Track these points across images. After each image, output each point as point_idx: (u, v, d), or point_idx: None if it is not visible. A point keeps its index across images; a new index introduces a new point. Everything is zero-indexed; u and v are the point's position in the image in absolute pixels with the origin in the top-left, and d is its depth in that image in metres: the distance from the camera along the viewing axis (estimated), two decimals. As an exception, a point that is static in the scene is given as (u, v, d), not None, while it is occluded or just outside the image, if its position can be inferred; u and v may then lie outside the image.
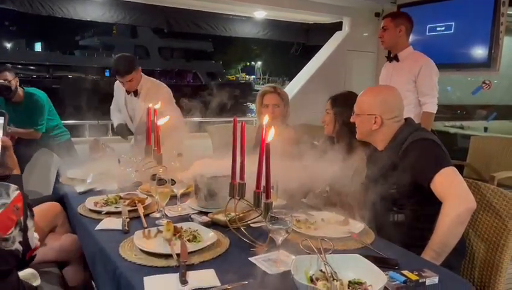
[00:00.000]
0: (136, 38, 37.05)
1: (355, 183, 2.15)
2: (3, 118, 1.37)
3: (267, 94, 2.82)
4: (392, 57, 3.31)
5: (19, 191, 1.18)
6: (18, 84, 3.56)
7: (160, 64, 36.63)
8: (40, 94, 3.69)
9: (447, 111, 5.76)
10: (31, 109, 3.60)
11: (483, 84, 4.65)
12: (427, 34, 4.46)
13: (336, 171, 1.81)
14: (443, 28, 4.32)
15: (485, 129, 5.24)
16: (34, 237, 1.21)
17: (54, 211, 2.16)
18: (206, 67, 39.16)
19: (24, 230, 1.15)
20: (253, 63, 51.61)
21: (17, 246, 1.10)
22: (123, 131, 3.38)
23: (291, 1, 4.53)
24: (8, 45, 38.43)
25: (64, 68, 34.04)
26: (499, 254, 1.76)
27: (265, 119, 1.54)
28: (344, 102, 2.38)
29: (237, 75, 50.88)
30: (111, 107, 3.59)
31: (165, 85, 3.40)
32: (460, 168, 3.91)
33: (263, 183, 1.49)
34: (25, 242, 1.15)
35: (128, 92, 3.28)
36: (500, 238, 1.76)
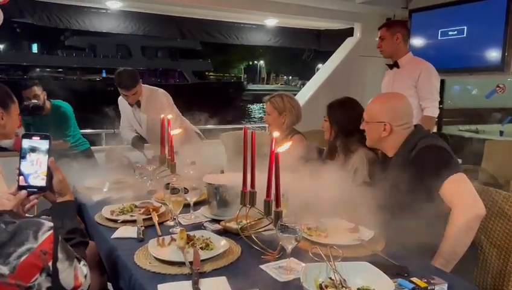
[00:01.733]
0: (117, 37, 34.55)
1: (356, 184, 2.19)
2: (48, 140, 1.38)
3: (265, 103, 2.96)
4: (393, 64, 3.33)
5: (51, 232, 1.08)
6: (46, 97, 3.63)
7: (144, 63, 35.12)
8: (66, 106, 3.76)
9: (461, 115, 5.71)
10: (58, 121, 3.65)
11: (497, 88, 4.61)
12: (439, 38, 4.45)
13: (335, 180, 1.83)
14: (455, 32, 4.30)
15: (501, 133, 5.18)
16: (70, 277, 1.09)
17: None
18: (192, 66, 37.64)
19: (53, 275, 1.04)
20: (255, 62, 51.06)
21: None
22: (138, 143, 3.42)
23: (302, 8, 4.56)
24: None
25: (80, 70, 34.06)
26: (512, 260, 1.76)
27: (276, 134, 1.58)
28: (340, 108, 2.43)
29: (240, 75, 50.36)
30: (121, 125, 3.64)
31: (162, 90, 3.46)
32: (475, 173, 3.90)
33: (273, 192, 1.52)
34: (56, 287, 1.05)
35: (131, 104, 3.35)
36: (513, 244, 1.76)
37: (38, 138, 1.38)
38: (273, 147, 1.56)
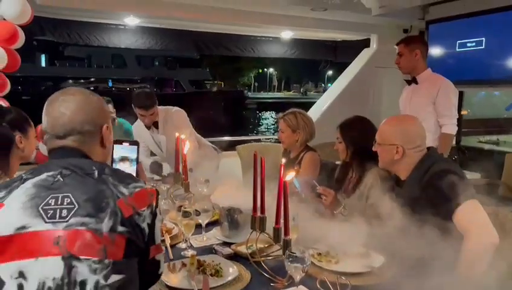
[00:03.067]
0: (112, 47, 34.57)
1: (369, 202, 2.18)
2: (136, 146, 1.46)
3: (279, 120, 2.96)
4: (411, 80, 3.30)
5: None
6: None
7: (139, 73, 34.38)
8: (127, 123, 3.92)
9: (481, 125, 5.61)
10: (124, 137, 3.65)
11: (518, 100, 4.52)
12: (457, 49, 4.39)
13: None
14: (473, 44, 4.24)
15: (523, 144, 5.08)
16: (158, 235, 1.19)
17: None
18: (189, 75, 36.75)
19: (153, 216, 1.15)
20: (265, 70, 49.90)
21: (145, 226, 1.12)
22: (157, 168, 3.41)
23: (318, 22, 4.57)
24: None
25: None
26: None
27: (283, 160, 1.59)
28: (351, 128, 2.42)
29: (249, 83, 49.30)
30: (136, 134, 3.61)
31: (177, 108, 3.48)
32: (495, 187, 3.82)
33: (282, 220, 1.54)
34: (150, 228, 1.14)
35: (148, 126, 3.36)
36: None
37: (128, 143, 1.45)
38: (281, 174, 1.58)
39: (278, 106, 34.86)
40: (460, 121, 4.78)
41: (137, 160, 1.46)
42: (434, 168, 1.85)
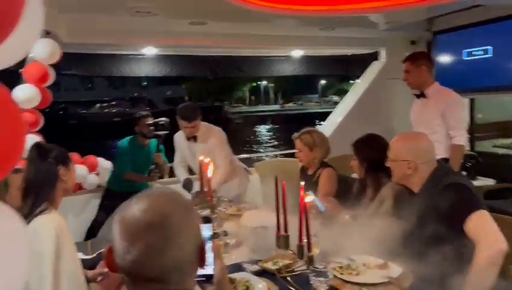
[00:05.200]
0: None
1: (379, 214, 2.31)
2: (210, 224, 1.26)
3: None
4: (420, 94, 3.42)
5: None
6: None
7: (109, 94, 33.73)
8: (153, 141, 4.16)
9: (494, 129, 5.64)
10: (152, 153, 4.08)
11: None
12: (464, 58, 4.49)
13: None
14: (481, 52, 4.34)
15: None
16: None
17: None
18: (163, 92, 35.89)
19: None
20: (259, 83, 47.54)
21: None
22: (189, 185, 3.62)
23: (328, 40, 4.72)
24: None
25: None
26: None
27: (302, 182, 1.75)
28: (365, 145, 2.56)
29: (244, 97, 47.71)
30: (175, 161, 3.87)
31: (218, 128, 3.70)
32: (510, 192, 3.87)
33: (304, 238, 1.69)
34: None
35: (188, 138, 3.58)
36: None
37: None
38: (302, 196, 1.73)
39: (276, 119, 34.10)
40: (472, 126, 4.87)
41: (211, 237, 1.25)
42: (444, 181, 1.98)
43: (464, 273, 1.77)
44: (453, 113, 3.22)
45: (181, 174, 3.79)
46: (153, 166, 4.02)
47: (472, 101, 4.92)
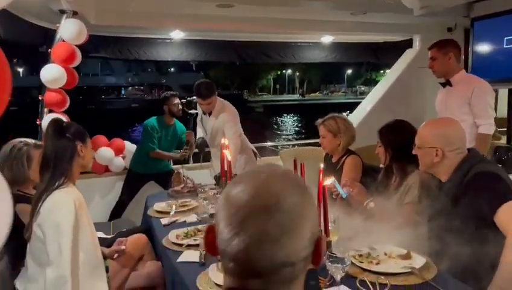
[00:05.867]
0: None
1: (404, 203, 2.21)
2: None
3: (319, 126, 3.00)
4: (445, 82, 3.27)
5: None
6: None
7: (128, 79, 33.76)
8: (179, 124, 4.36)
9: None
10: (179, 134, 4.29)
11: None
12: (505, 46, 4.25)
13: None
14: (523, 40, 4.10)
15: None
16: None
17: (142, 242, 2.47)
18: (181, 79, 34.62)
19: None
20: (284, 71, 46.71)
21: None
22: (202, 146, 3.87)
23: (358, 25, 4.57)
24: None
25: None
26: None
27: (322, 165, 1.67)
28: (391, 132, 2.44)
29: (269, 86, 46.97)
30: (197, 119, 4.01)
31: (231, 105, 3.80)
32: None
33: (322, 223, 1.62)
34: None
35: (204, 113, 3.75)
36: None
37: None
38: (320, 179, 1.66)
39: (296, 109, 33.18)
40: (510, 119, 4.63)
41: None
42: (475, 169, 1.86)
43: (492, 266, 1.67)
44: (479, 101, 3.07)
45: (199, 131, 3.96)
46: (185, 145, 4.16)
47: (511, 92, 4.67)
